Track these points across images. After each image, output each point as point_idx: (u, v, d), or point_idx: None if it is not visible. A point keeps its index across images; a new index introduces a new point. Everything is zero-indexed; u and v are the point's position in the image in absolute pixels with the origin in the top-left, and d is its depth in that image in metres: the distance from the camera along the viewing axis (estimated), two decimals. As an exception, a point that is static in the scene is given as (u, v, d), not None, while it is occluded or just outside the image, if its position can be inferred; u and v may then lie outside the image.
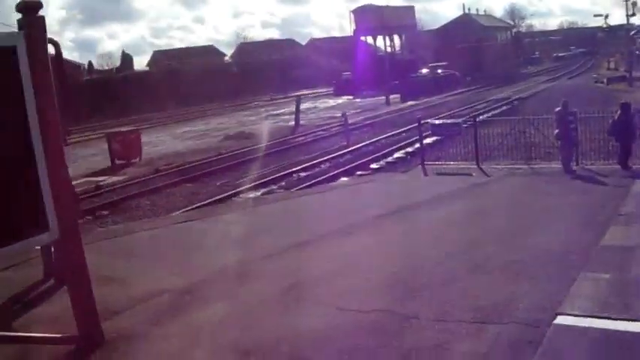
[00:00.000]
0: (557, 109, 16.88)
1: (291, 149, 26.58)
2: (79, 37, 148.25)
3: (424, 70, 62.86)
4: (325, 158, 23.24)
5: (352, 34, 70.67)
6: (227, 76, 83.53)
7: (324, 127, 33.20)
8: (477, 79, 55.39)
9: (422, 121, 20.45)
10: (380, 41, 74.69)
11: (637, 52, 53.59)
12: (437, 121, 20.21)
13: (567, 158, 16.82)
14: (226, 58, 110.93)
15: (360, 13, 68.87)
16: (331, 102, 54.30)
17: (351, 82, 62.54)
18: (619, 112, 16.53)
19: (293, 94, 70.71)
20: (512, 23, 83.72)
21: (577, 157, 17.37)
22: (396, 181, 17.87)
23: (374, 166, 21.01)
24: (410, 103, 42.95)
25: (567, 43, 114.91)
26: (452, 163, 19.50)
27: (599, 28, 79.62)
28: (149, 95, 70.08)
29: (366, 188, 16.64)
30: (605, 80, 43.60)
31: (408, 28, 70.00)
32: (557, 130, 16.92)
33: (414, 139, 23.14)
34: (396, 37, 74.88)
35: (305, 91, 72.04)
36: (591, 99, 33.04)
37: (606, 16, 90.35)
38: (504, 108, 33.82)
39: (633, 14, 44.36)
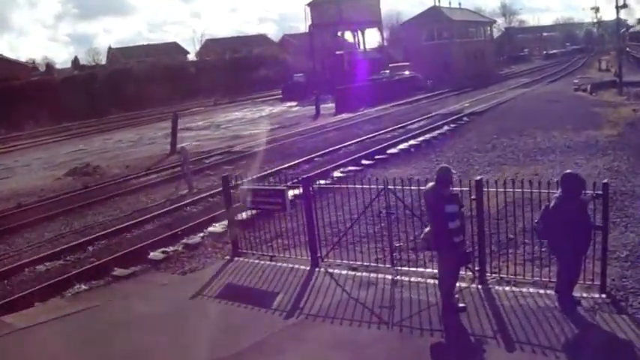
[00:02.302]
0: (429, 185, 8.04)
1: (105, 202, 18.07)
2: (75, 31, 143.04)
3: (387, 71, 54.51)
4: (123, 226, 14.62)
5: (307, 30, 62.02)
6: (183, 76, 74.76)
7: (205, 156, 24.66)
8: (441, 82, 46.55)
9: (233, 181, 11.77)
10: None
11: (627, 50, 44.68)
12: (252, 186, 11.30)
13: (446, 285, 8.05)
14: (189, 56, 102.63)
15: (315, 7, 60.22)
16: (267, 110, 45.66)
17: (300, 86, 53.77)
18: (559, 192, 7.68)
19: (243, 98, 62.37)
20: (491, 19, 74.51)
21: (472, 263, 8.79)
22: (109, 320, 9.12)
23: (156, 254, 12.22)
24: (342, 115, 34.25)
25: (562, 40, 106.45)
26: (278, 256, 11.02)
27: (593, 23, 71.28)
28: (88, 99, 61.56)
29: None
30: (588, 87, 34.58)
31: (371, 24, 61.15)
32: (427, 229, 8.13)
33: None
34: (373, 33, 66.75)
35: (260, 94, 63.68)
36: (561, 121, 24.32)
37: (596, 10, 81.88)
38: (446, 129, 25.05)
39: (624, 5, 35.49)
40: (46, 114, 56.90)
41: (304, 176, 11.20)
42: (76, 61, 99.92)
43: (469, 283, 9.03)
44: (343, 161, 19.38)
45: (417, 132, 24.30)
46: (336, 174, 17.87)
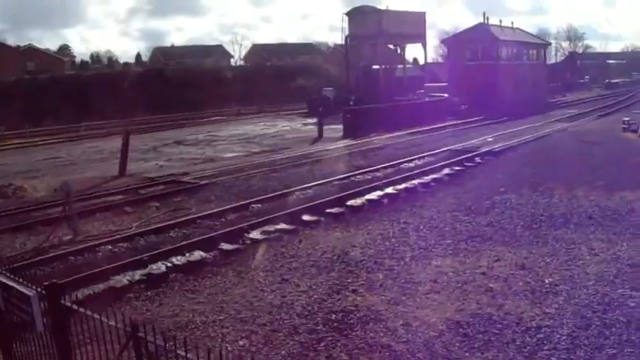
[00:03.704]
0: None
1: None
2: (146, 27, 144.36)
3: (422, 92, 49.60)
4: None
5: (343, 41, 57.31)
6: (219, 81, 71.29)
7: (149, 184, 20.42)
8: (479, 108, 40.98)
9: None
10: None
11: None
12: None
13: None
14: (233, 60, 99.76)
15: (354, 17, 55.44)
16: (279, 126, 41.43)
17: (327, 101, 49.05)
18: None
19: (271, 109, 58.31)
20: (547, 41, 68.39)
21: None
22: None
23: None
24: (344, 142, 29.53)
25: (630, 69, 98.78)
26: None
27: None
28: (116, 98, 58.45)
29: None
30: (639, 127, 28.72)
31: (414, 39, 56.00)
32: None
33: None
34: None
35: (289, 106, 59.35)
36: (592, 173, 19.04)
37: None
38: (445, 173, 19.99)
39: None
40: (69, 111, 54.40)
41: (47, 282, 6.39)
42: (139, 57, 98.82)
43: None
44: (282, 213, 14.62)
45: (407, 174, 19.37)
46: (255, 235, 13.11)
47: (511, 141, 26.53)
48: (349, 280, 10.36)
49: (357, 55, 56.61)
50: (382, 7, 54.62)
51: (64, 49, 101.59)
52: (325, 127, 34.32)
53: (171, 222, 14.66)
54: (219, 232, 13.09)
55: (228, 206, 15.64)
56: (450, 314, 8.85)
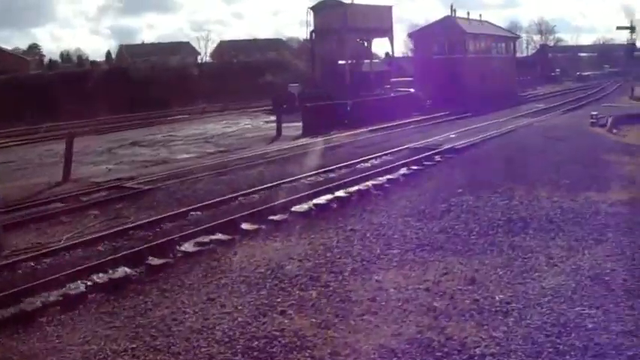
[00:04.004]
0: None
1: None
2: (117, 25, 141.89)
3: (388, 87, 48.82)
4: None
5: (308, 36, 56.34)
6: (185, 78, 69.93)
7: (93, 190, 19.10)
8: (445, 103, 40.21)
9: None
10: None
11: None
12: None
13: None
14: (200, 57, 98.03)
15: (319, 11, 54.41)
16: (241, 125, 40.39)
17: (292, 97, 48.04)
18: None
19: (236, 106, 57.07)
20: (516, 34, 68.15)
21: None
22: None
23: None
24: (303, 140, 28.62)
25: (601, 62, 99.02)
26: None
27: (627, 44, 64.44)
28: (79, 98, 56.63)
29: None
30: (608, 121, 27.99)
31: (381, 33, 55.12)
32: None
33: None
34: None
35: (254, 103, 58.16)
36: (557, 172, 18.31)
37: (632, 29, 74.45)
38: (402, 173, 19.07)
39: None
40: (30, 112, 52.71)
41: None
42: (109, 55, 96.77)
43: None
44: (221, 221, 13.57)
45: (361, 175, 18.38)
46: (187, 247, 12.09)
47: (475, 137, 25.71)
48: (279, 300, 9.36)
49: (322, 50, 55.54)
50: (348, 0, 53.44)
51: (34, 48, 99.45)
52: (286, 125, 33.32)
53: (102, 233, 13.50)
54: (149, 244, 11.97)
55: (165, 215, 14.51)
56: (385, 340, 7.89)
